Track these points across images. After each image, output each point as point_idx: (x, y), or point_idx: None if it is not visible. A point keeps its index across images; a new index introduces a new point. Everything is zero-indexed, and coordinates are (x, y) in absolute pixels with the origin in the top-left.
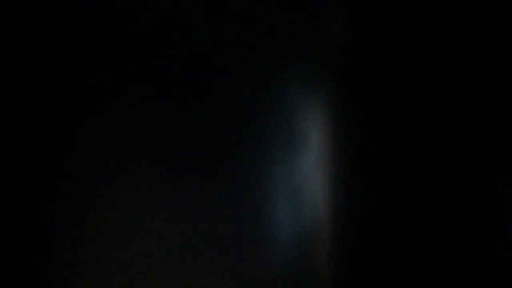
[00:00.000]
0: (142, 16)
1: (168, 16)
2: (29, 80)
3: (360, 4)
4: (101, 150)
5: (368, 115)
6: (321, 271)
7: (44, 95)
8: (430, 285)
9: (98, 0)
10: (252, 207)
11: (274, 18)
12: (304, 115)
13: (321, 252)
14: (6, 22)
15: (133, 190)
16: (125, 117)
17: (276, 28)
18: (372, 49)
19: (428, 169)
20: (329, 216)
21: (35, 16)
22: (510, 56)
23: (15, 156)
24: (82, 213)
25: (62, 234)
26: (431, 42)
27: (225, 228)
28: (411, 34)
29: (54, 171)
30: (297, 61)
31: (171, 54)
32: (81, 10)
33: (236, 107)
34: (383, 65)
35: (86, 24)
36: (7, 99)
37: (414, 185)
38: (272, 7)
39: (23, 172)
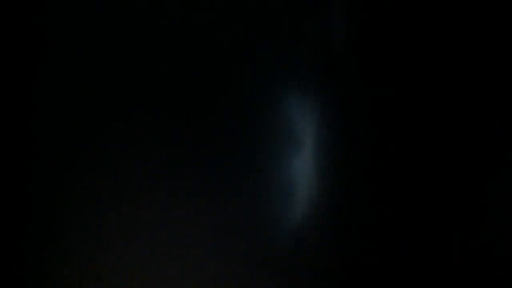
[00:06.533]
0: (145, 20)
1: (170, 20)
2: (30, 80)
3: (360, 7)
4: (101, 149)
5: (364, 116)
6: (315, 267)
7: (46, 95)
8: (425, 282)
9: (104, 4)
10: (248, 205)
11: (273, 19)
12: (301, 115)
13: (315, 249)
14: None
15: (133, 187)
16: (126, 118)
17: (275, 30)
18: (370, 51)
19: (424, 169)
20: (324, 214)
21: (40, 17)
22: (510, 56)
23: (15, 157)
24: (85, 215)
25: (62, 235)
26: (431, 44)
27: (222, 224)
28: (411, 36)
29: (55, 172)
30: (295, 62)
31: (172, 56)
32: (89, 10)
33: (235, 108)
34: (381, 66)
35: (94, 26)
36: (8, 100)
37: (411, 185)
38: (271, 9)
39: (24, 172)
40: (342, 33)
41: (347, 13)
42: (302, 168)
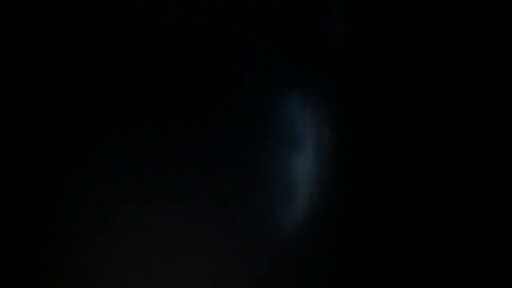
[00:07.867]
0: (145, 20)
1: (170, 20)
2: (30, 80)
3: (360, 7)
4: (100, 149)
5: (365, 116)
6: (315, 267)
7: (46, 95)
8: (425, 282)
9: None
10: (249, 205)
11: (273, 19)
12: (301, 115)
13: (316, 249)
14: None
15: (133, 187)
16: (125, 118)
17: (275, 30)
18: (370, 51)
19: (425, 169)
20: (324, 214)
21: (40, 17)
22: (510, 56)
23: (15, 157)
24: (85, 215)
25: (62, 235)
26: (432, 44)
27: (222, 224)
28: (411, 36)
29: (55, 172)
30: (296, 62)
31: (172, 56)
32: (89, 10)
33: (235, 108)
34: (382, 66)
35: (94, 26)
36: (8, 100)
37: (411, 185)
38: (271, 9)
39: (23, 173)
40: (342, 33)
41: (347, 13)
42: (303, 168)
